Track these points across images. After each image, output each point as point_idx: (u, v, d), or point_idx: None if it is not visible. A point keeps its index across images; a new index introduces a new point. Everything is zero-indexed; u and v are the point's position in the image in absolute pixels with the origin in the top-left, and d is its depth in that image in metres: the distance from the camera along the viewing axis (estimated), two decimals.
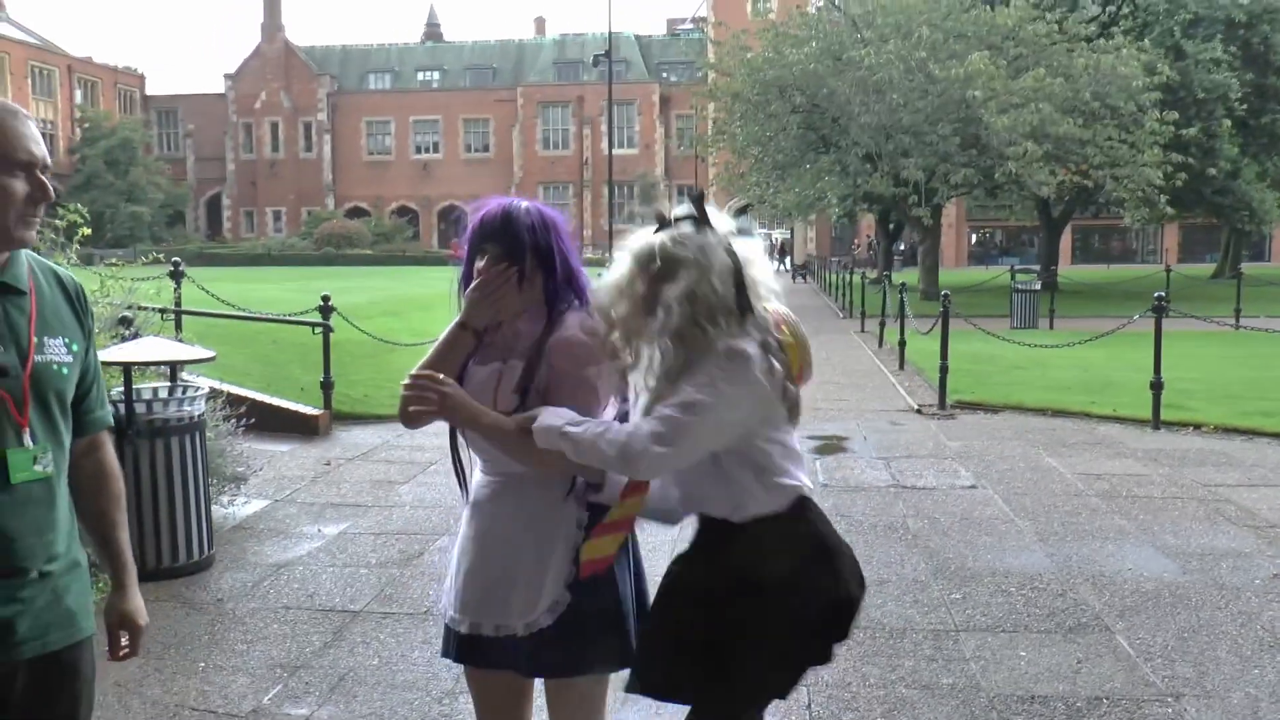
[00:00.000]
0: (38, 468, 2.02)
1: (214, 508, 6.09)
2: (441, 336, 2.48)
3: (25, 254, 2.11)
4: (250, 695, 4.13)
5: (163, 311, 8.07)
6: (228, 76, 73.07)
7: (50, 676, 2.08)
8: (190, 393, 5.77)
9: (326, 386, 10.22)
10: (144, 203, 63.63)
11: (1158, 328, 10.43)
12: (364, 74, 74.59)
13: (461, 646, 2.55)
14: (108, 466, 2.30)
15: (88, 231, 6.70)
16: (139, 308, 6.98)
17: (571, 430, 2.31)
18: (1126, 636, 4.72)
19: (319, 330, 10.43)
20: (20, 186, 2.02)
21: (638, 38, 70.85)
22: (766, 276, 2.47)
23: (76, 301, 2.19)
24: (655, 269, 2.36)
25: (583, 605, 2.44)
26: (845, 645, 4.48)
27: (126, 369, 5.47)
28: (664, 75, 69.36)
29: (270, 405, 9.50)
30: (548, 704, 2.58)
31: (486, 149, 71.87)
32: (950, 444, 9.28)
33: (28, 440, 2.01)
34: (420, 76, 74.52)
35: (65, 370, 2.09)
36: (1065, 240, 51.40)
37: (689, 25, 70.42)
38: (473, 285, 2.46)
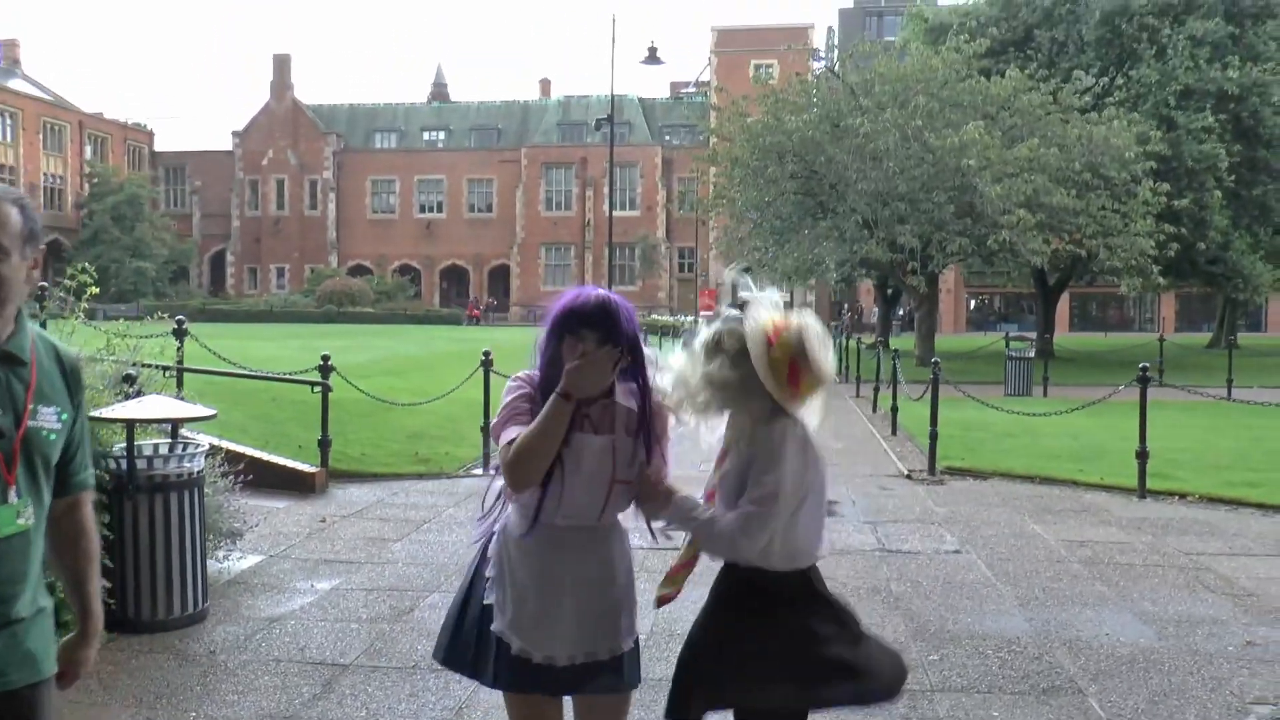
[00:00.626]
0: (20, 521, 2.24)
1: (209, 562, 6.21)
2: (546, 409, 2.77)
3: (31, 326, 2.31)
4: None
5: (165, 369, 8.24)
6: (235, 134, 74.03)
7: (9, 713, 2.25)
8: (190, 450, 5.93)
9: (324, 444, 10.37)
10: (149, 258, 64.17)
11: (1143, 398, 10.59)
12: (370, 133, 75.57)
13: (532, 676, 2.89)
14: (85, 525, 2.51)
15: (95, 291, 6.90)
16: (142, 365, 7.15)
17: (697, 516, 2.92)
18: (1099, 699, 4.83)
19: (318, 389, 10.60)
20: None
21: (641, 100, 71.86)
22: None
23: (70, 376, 2.40)
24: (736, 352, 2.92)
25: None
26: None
27: (129, 426, 5.64)
28: (667, 138, 70.29)
29: (268, 462, 9.64)
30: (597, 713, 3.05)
31: (490, 209, 72.58)
32: (938, 509, 9.40)
33: (13, 497, 2.22)
34: (426, 136, 75.50)
35: (54, 437, 2.31)
36: (1063, 307, 51.78)
37: (692, 89, 71.58)
38: (578, 364, 2.76)
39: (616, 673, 2.96)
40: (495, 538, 2.96)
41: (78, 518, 2.48)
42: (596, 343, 2.79)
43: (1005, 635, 5.77)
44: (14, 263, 2.22)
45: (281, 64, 74.11)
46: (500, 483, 2.94)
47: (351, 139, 74.37)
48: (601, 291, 2.93)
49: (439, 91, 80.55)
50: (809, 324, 2.90)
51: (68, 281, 6.75)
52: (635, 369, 2.92)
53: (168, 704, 4.67)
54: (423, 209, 73.06)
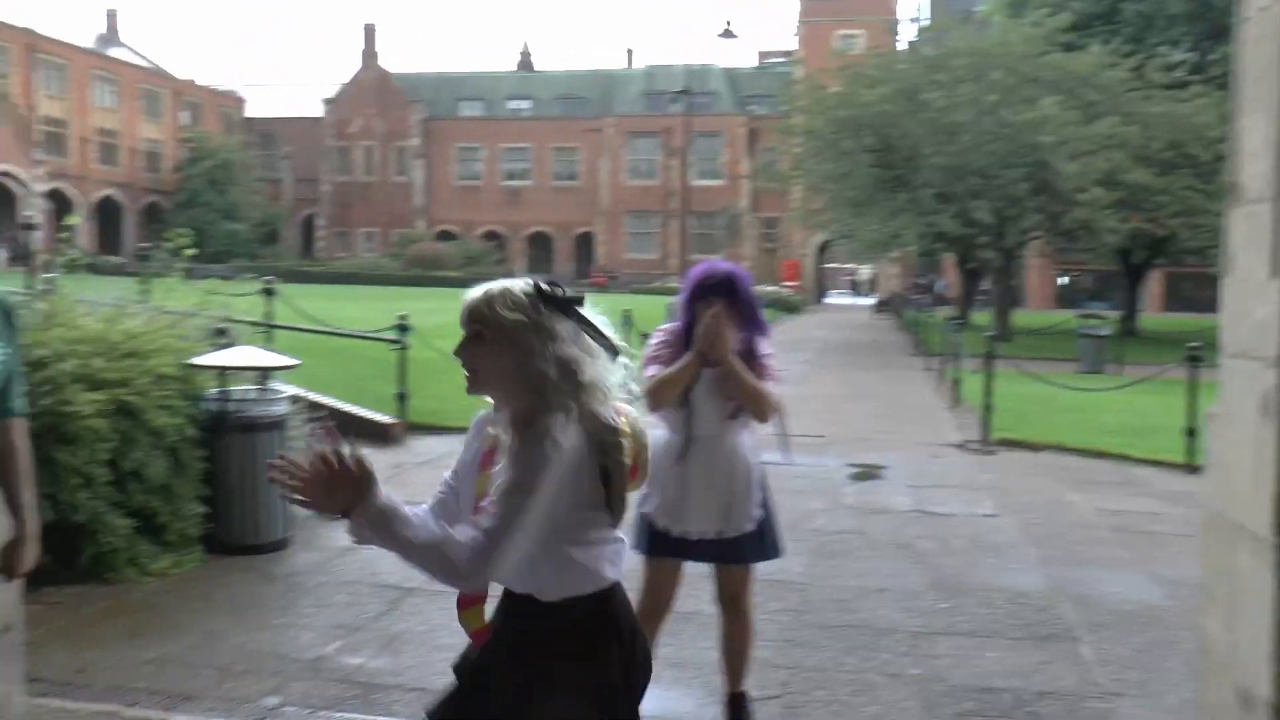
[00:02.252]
0: None
1: None
2: (683, 359, 3.73)
3: None
4: (315, 647, 4.92)
5: (255, 324, 8.93)
6: (326, 101, 75.63)
7: None
8: (275, 395, 6.60)
9: (402, 398, 11.06)
10: (242, 221, 66.10)
11: (1193, 375, 10.78)
12: (457, 101, 76.56)
13: (669, 545, 3.85)
14: (16, 444, 3.05)
15: (192, 252, 7.58)
16: (234, 320, 7.84)
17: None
18: (1092, 647, 5.24)
19: (395, 347, 11.28)
20: None
21: (727, 70, 71.75)
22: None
23: (7, 317, 2.97)
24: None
25: (764, 519, 3.92)
26: (832, 636, 5.10)
27: (221, 372, 6.32)
28: (752, 107, 70.05)
29: (349, 413, 10.34)
30: (731, 582, 3.99)
31: (574, 177, 73.25)
32: (982, 477, 9.76)
33: None
34: (511, 105, 76.29)
35: None
36: (1156, 287, 50.82)
37: (779, 58, 71.19)
38: (705, 324, 3.65)
39: (739, 548, 3.88)
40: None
41: (9, 439, 3.03)
42: (718, 309, 3.63)
43: (1018, 589, 6.18)
44: None
45: (370, 33, 75.49)
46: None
47: (438, 107, 75.46)
48: (723, 264, 3.85)
49: (525, 61, 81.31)
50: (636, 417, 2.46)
51: (168, 243, 7.44)
52: (751, 325, 3.77)
53: (255, 614, 5.38)
54: (508, 176, 73.99)
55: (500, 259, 69.30)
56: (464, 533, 2.15)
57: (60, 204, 57.82)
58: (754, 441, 3.94)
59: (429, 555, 2.12)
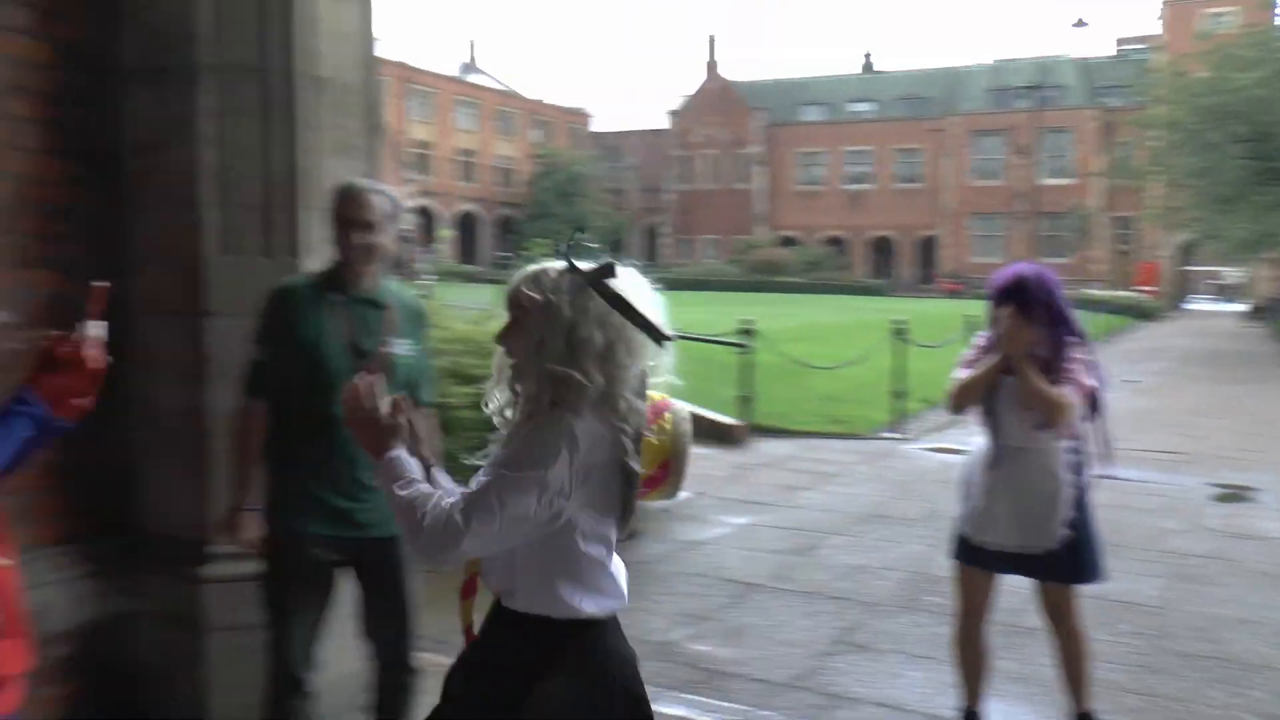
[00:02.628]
0: None
1: None
2: (982, 364, 3.75)
3: (388, 281, 3.24)
4: (663, 632, 5.19)
5: None
6: (670, 113, 78.25)
7: (385, 552, 3.14)
8: None
9: (746, 401, 11.35)
10: (588, 231, 69.49)
11: None
12: (798, 106, 76.92)
13: (971, 552, 3.83)
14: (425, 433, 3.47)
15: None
16: None
17: None
18: None
19: (740, 351, 11.57)
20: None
21: (1079, 61, 67.72)
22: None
23: (416, 318, 3.28)
24: None
25: (1076, 539, 3.70)
26: (1191, 666, 4.76)
27: None
28: (1106, 100, 65.59)
29: (695, 415, 10.68)
30: (1049, 599, 3.85)
31: (916, 179, 71.68)
32: None
33: None
34: (853, 108, 75.72)
35: (406, 362, 3.16)
36: None
37: (1137, 45, 66.26)
38: (999, 331, 3.67)
39: (1044, 565, 3.73)
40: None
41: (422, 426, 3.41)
42: (1011, 312, 3.60)
43: None
44: (382, 235, 3.11)
45: (713, 44, 77.52)
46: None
47: (779, 113, 76.12)
48: (1021, 267, 3.76)
49: (868, 64, 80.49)
50: (682, 411, 2.23)
51: (527, 253, 8.02)
52: (1057, 327, 3.63)
53: None
54: (849, 180, 73.50)
55: (841, 264, 68.90)
56: (445, 503, 2.00)
57: (426, 219, 63.35)
58: (1074, 457, 3.74)
59: (404, 514, 2.01)
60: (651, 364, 2.12)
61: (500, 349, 2.14)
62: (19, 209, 3.50)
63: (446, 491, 2.08)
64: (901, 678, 4.69)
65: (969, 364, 3.81)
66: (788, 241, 71.37)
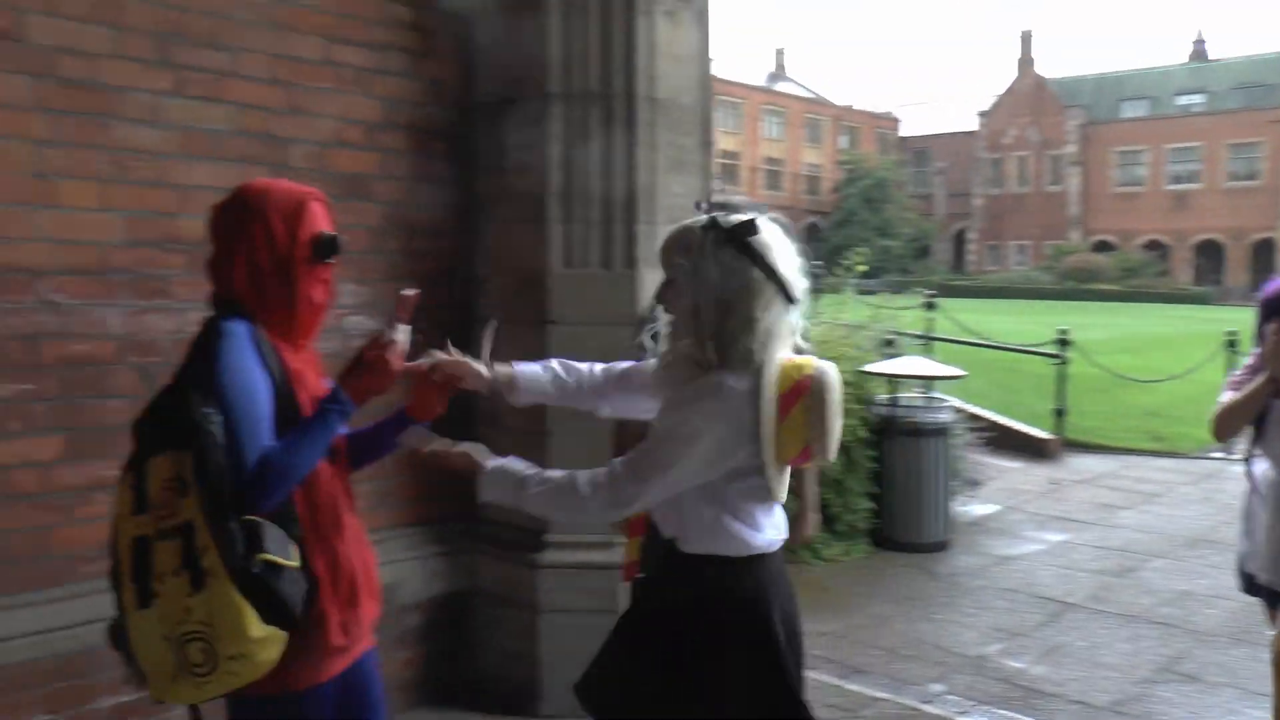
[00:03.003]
0: None
1: (952, 504, 7.16)
2: (1248, 388, 3.20)
3: None
4: (976, 645, 5.14)
5: (917, 337, 9.39)
6: (980, 114, 75.63)
7: None
8: (940, 403, 6.93)
9: (1059, 414, 10.89)
10: (894, 237, 68.33)
11: None
12: (1117, 102, 72.46)
13: (1254, 587, 3.37)
14: None
15: (865, 269, 8.17)
16: (898, 332, 8.34)
17: None
18: None
19: (1054, 362, 11.12)
20: None
21: None
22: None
23: None
24: None
25: None
26: None
27: (892, 380, 6.79)
28: None
29: (1004, 426, 10.41)
30: None
31: (1253, 176, 65.74)
32: None
33: None
34: (1180, 100, 70.49)
35: None
36: None
37: None
38: (1267, 348, 3.09)
39: None
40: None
41: None
42: (1277, 328, 3.04)
43: None
44: None
45: (1026, 40, 74.29)
46: None
47: (1097, 110, 71.97)
48: None
49: (1198, 50, 74.65)
50: (831, 376, 2.17)
51: (846, 262, 8.10)
52: None
53: (918, 605, 5.73)
54: (1174, 180, 68.45)
55: (1162, 270, 64.33)
56: (583, 473, 2.12)
57: None
58: None
59: (554, 501, 2.14)
60: (796, 321, 2.16)
61: (660, 308, 2.23)
62: (388, 230, 3.95)
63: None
64: (1240, 715, 4.42)
65: (1235, 385, 3.32)
66: (1103, 246, 67.35)
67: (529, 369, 2.39)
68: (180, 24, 3.36)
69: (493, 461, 2.21)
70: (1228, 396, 3.28)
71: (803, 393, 2.09)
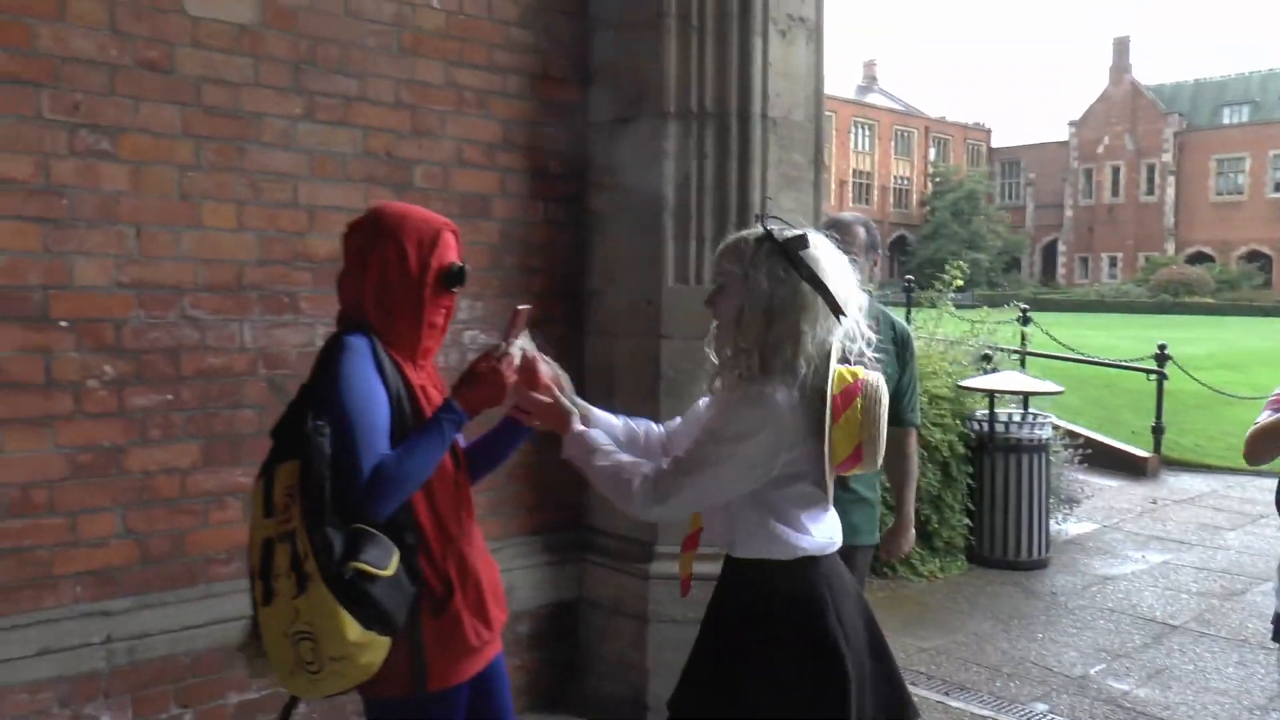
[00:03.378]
0: None
1: (1050, 521, 7.08)
2: None
3: (875, 303, 3.33)
4: (1079, 665, 5.09)
5: (1014, 352, 9.29)
6: (1071, 123, 74.11)
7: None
8: (1039, 419, 6.87)
9: (1157, 432, 10.68)
10: (983, 250, 67.25)
11: None
12: (1217, 108, 70.43)
13: None
14: (906, 451, 3.62)
15: (961, 283, 8.11)
16: (995, 348, 8.26)
17: None
18: None
19: (1153, 377, 10.91)
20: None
21: None
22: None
23: (899, 342, 3.54)
24: None
25: None
26: None
27: (990, 395, 6.74)
28: None
29: (1102, 443, 10.24)
30: None
31: None
32: None
33: None
34: None
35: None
36: None
37: None
38: None
39: None
40: None
41: (903, 444, 3.55)
42: None
43: None
44: (859, 264, 3.21)
45: (1120, 47, 72.44)
46: None
47: (1195, 117, 70.04)
48: None
49: None
50: (881, 383, 2.22)
51: (945, 277, 8.03)
52: None
53: (1018, 624, 5.69)
54: (1276, 188, 66.28)
55: (1263, 282, 62.33)
56: (648, 468, 2.20)
57: None
58: None
59: (610, 480, 2.22)
60: (847, 335, 2.19)
61: (711, 316, 2.27)
62: (505, 248, 4.07)
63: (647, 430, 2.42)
64: None
65: (1276, 406, 3.07)
66: (1199, 258, 65.50)
67: (603, 412, 2.45)
68: (313, 52, 3.52)
69: (579, 427, 2.30)
70: (1265, 417, 3.04)
71: (857, 394, 2.15)
